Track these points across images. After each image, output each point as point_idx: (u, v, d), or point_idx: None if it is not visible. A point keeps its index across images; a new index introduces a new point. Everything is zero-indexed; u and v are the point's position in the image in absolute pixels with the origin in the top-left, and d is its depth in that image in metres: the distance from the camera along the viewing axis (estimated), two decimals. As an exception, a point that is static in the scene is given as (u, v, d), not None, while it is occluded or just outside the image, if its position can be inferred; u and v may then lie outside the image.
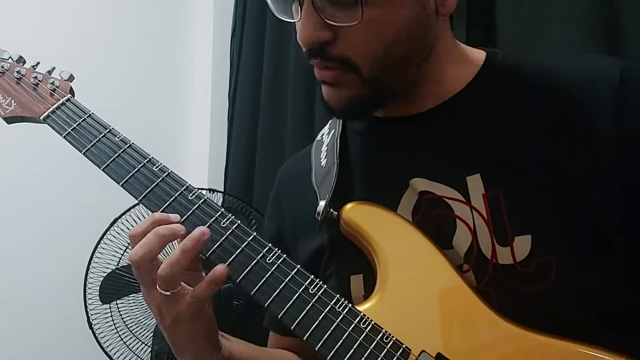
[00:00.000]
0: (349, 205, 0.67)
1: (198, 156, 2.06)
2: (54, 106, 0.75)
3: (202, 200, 0.68)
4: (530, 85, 0.66)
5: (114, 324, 1.46)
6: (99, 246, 1.45)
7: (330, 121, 0.82)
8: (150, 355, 1.50)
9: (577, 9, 1.05)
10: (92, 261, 1.44)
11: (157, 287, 0.61)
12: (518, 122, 0.64)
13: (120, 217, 1.46)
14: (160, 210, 0.67)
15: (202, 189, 1.59)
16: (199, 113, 2.10)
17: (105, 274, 1.44)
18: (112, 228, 1.45)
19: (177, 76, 2.13)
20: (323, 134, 0.81)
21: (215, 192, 1.62)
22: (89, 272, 1.44)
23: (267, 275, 0.63)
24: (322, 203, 0.68)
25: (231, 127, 1.98)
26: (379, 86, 0.65)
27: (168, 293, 0.61)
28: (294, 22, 0.65)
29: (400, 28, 0.62)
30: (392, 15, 0.61)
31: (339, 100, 0.67)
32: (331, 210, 0.68)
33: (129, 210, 1.46)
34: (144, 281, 0.62)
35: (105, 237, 1.45)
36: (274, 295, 0.62)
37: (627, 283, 0.59)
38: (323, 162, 0.75)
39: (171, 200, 0.68)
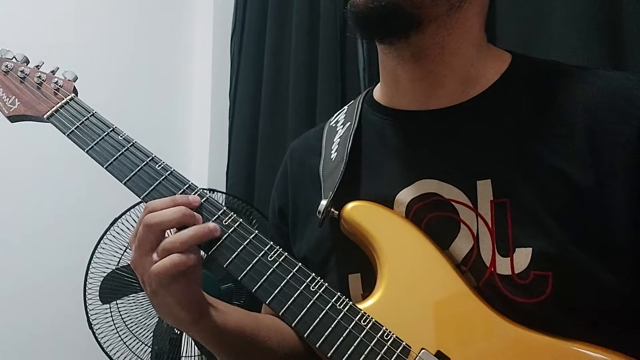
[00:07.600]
0: (350, 205, 0.67)
1: (198, 156, 2.06)
2: (58, 105, 0.76)
3: (204, 198, 0.69)
4: (551, 95, 0.65)
5: (114, 324, 1.46)
6: (99, 246, 1.45)
7: (346, 109, 0.81)
8: (150, 355, 1.50)
9: (578, 8, 1.05)
10: (92, 261, 1.44)
11: (154, 254, 0.64)
12: (536, 130, 0.64)
13: (120, 217, 1.46)
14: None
15: (202, 189, 1.59)
16: (199, 113, 2.10)
17: (105, 274, 1.44)
18: (112, 228, 1.45)
19: (177, 76, 2.14)
20: (338, 122, 0.80)
21: (216, 192, 1.62)
22: (89, 272, 1.44)
23: (268, 273, 0.63)
24: (323, 202, 0.68)
25: (232, 127, 1.97)
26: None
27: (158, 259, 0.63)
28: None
29: None
30: None
31: None
32: (332, 209, 0.68)
33: (129, 210, 1.46)
34: (145, 246, 0.64)
35: (105, 237, 1.45)
36: (275, 292, 0.62)
37: (628, 298, 0.58)
38: (333, 156, 0.75)
39: None
